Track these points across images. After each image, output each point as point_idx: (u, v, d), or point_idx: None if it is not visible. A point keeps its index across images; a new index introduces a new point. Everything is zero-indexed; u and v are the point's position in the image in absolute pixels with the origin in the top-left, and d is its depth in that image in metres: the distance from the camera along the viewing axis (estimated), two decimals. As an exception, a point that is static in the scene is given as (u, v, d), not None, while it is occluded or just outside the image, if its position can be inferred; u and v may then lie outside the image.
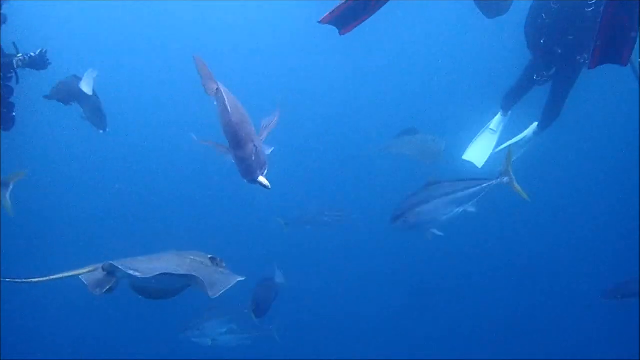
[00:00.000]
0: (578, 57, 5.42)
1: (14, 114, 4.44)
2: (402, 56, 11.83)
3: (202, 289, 2.78)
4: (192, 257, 3.03)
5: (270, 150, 2.86)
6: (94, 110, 5.57)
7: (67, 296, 9.17)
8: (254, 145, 2.66)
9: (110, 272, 2.79)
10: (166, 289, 3.02)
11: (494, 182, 5.18)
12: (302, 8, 6.18)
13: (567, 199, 10.51)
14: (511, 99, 6.34)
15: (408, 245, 10.89)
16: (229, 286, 2.76)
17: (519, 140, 6.39)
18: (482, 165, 6.66)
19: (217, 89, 2.77)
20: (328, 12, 3.35)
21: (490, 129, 6.58)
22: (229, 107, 2.68)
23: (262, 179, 2.64)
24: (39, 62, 4.53)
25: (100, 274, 2.79)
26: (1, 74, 4.45)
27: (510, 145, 6.12)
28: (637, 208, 9.14)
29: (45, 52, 4.56)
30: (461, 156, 6.72)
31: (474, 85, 10.00)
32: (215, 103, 2.81)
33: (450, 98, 11.02)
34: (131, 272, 2.71)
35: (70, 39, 11.01)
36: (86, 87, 4.96)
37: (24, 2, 5.42)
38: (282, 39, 11.61)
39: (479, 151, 6.67)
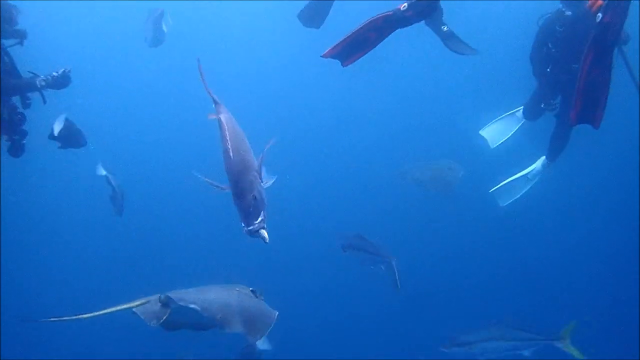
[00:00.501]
0: None
1: (25, 141, 4.37)
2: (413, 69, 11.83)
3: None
4: (237, 290, 3.08)
5: (273, 181, 2.87)
6: (113, 195, 6.23)
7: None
8: (254, 196, 2.63)
9: (166, 303, 2.82)
10: (205, 323, 2.99)
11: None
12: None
13: (566, 199, 10.59)
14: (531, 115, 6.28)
15: (407, 247, 10.98)
16: (269, 329, 2.85)
17: (527, 173, 6.32)
18: (494, 146, 6.68)
19: (219, 118, 2.77)
20: (330, 47, 3.40)
21: (516, 115, 6.49)
22: (230, 152, 2.68)
23: (263, 232, 2.63)
24: (62, 82, 4.39)
25: (154, 306, 2.82)
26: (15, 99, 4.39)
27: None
28: (637, 208, 9.22)
29: (69, 71, 4.43)
30: (479, 131, 6.74)
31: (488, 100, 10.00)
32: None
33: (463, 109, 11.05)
34: (192, 306, 2.76)
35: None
36: (57, 127, 4.90)
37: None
38: (290, 52, 11.60)
39: (497, 132, 6.65)
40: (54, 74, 4.37)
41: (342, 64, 3.57)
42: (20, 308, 9.65)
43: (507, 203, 6.51)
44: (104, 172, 6.29)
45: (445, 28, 4.52)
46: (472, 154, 6.93)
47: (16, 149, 4.35)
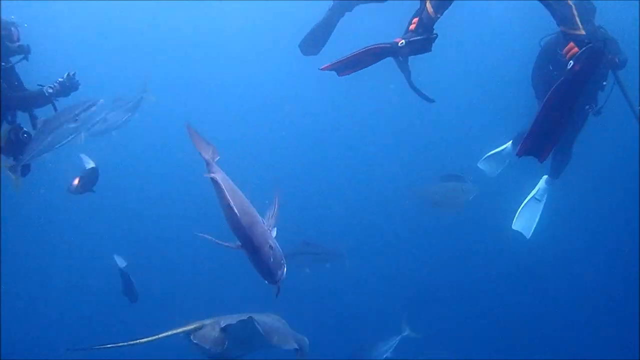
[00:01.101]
0: (586, 107, 5.46)
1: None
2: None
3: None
4: (273, 317, 3.31)
5: (275, 232, 2.86)
6: (126, 285, 6.35)
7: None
8: (270, 246, 2.61)
9: (224, 329, 2.95)
10: (261, 346, 3.18)
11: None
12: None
13: (566, 200, 10.63)
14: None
15: (409, 248, 11.01)
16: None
17: (535, 194, 6.38)
18: (494, 176, 6.77)
19: (213, 178, 2.70)
20: (329, 64, 3.55)
21: (505, 150, 6.58)
22: (235, 210, 2.59)
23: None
24: (70, 86, 4.31)
25: (212, 332, 2.94)
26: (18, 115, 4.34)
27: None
28: (637, 210, 9.27)
29: (74, 74, 4.35)
30: (477, 163, 6.82)
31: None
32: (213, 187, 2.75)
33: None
34: (259, 327, 2.90)
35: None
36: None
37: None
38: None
39: (494, 163, 6.73)
40: (60, 79, 4.31)
41: (337, 75, 3.73)
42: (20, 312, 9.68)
43: (531, 232, 6.52)
44: (122, 265, 6.35)
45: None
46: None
47: (22, 169, 4.33)
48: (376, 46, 3.31)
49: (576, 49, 2.95)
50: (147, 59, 11.61)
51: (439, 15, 3.11)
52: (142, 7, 11.69)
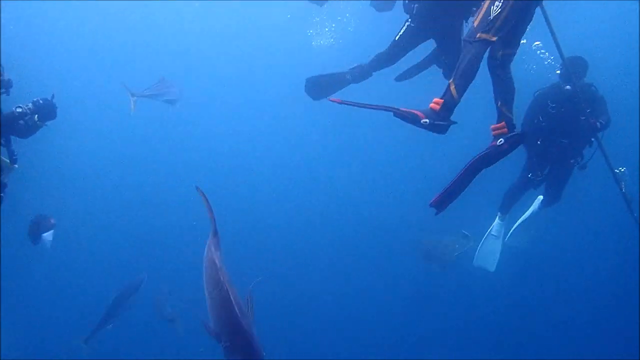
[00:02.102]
0: (571, 160, 5.82)
1: (3, 194, 4.21)
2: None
3: None
4: None
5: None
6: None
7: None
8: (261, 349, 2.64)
9: None
10: None
11: None
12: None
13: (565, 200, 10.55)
14: (511, 198, 6.51)
15: (409, 250, 10.98)
16: None
17: (530, 214, 6.69)
18: (493, 269, 7.12)
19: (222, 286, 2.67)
20: (340, 99, 3.58)
21: (492, 235, 6.83)
22: (234, 304, 2.59)
23: None
24: (47, 107, 4.17)
25: None
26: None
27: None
28: (637, 209, 9.17)
29: (52, 97, 4.22)
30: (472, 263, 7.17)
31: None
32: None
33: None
34: None
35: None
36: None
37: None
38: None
39: (486, 257, 7.00)
40: (34, 99, 4.17)
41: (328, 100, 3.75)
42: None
43: (526, 242, 7.01)
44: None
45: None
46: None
47: None
48: (398, 110, 3.31)
49: (506, 129, 3.19)
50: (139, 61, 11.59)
51: (460, 98, 3.18)
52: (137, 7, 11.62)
